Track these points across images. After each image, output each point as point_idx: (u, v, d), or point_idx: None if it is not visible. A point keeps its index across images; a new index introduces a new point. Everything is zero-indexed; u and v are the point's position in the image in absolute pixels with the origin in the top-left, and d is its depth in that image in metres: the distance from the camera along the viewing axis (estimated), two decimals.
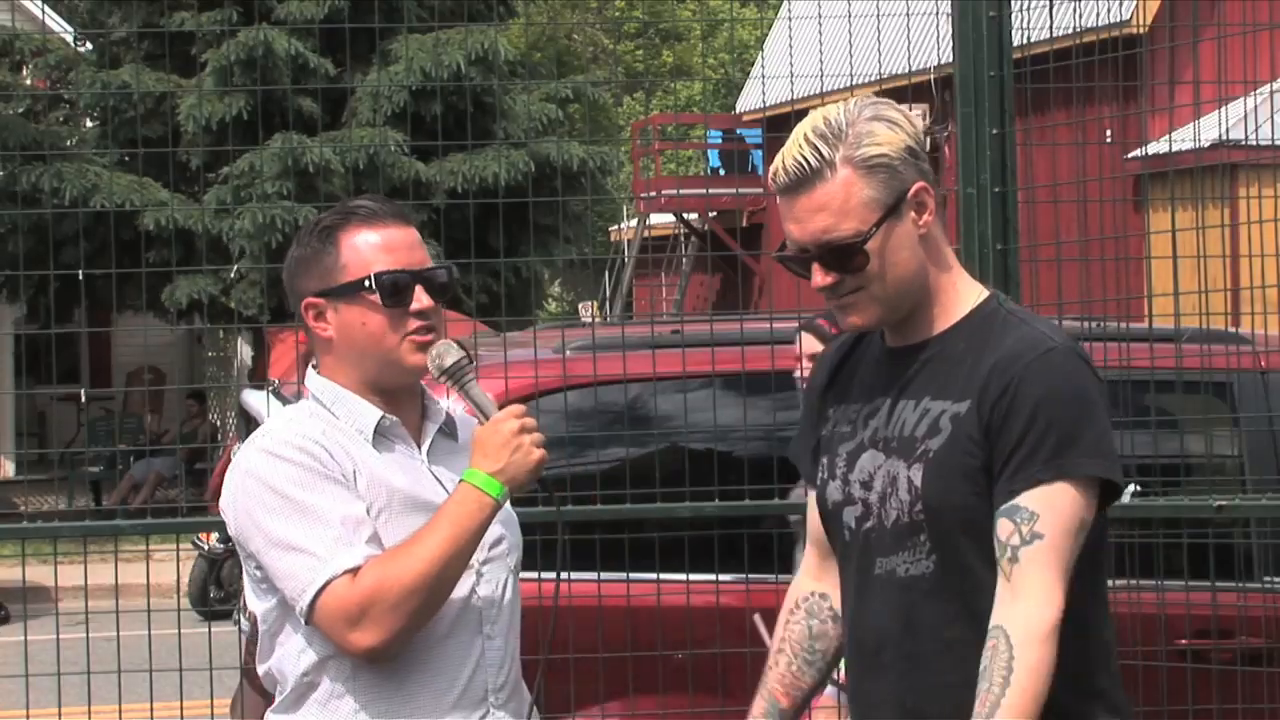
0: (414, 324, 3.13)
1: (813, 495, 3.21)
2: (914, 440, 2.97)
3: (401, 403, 3.20)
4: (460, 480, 3.09)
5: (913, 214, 2.99)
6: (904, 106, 3.09)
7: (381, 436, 3.16)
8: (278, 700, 3.17)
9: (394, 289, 3.12)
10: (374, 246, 3.14)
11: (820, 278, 2.98)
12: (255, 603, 3.17)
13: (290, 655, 3.12)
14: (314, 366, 3.25)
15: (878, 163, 2.95)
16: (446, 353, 3.15)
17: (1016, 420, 2.87)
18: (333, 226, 3.17)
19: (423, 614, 3.03)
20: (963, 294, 3.05)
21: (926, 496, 2.94)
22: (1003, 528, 2.88)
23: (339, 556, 3.00)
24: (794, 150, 2.97)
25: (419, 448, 3.21)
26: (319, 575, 2.99)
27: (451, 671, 3.12)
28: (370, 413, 3.15)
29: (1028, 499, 2.87)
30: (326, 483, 3.05)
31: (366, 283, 3.11)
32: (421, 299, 3.14)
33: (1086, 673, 2.95)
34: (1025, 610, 2.85)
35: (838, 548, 3.13)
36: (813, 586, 3.27)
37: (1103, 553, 3.02)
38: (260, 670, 3.21)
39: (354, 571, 3.00)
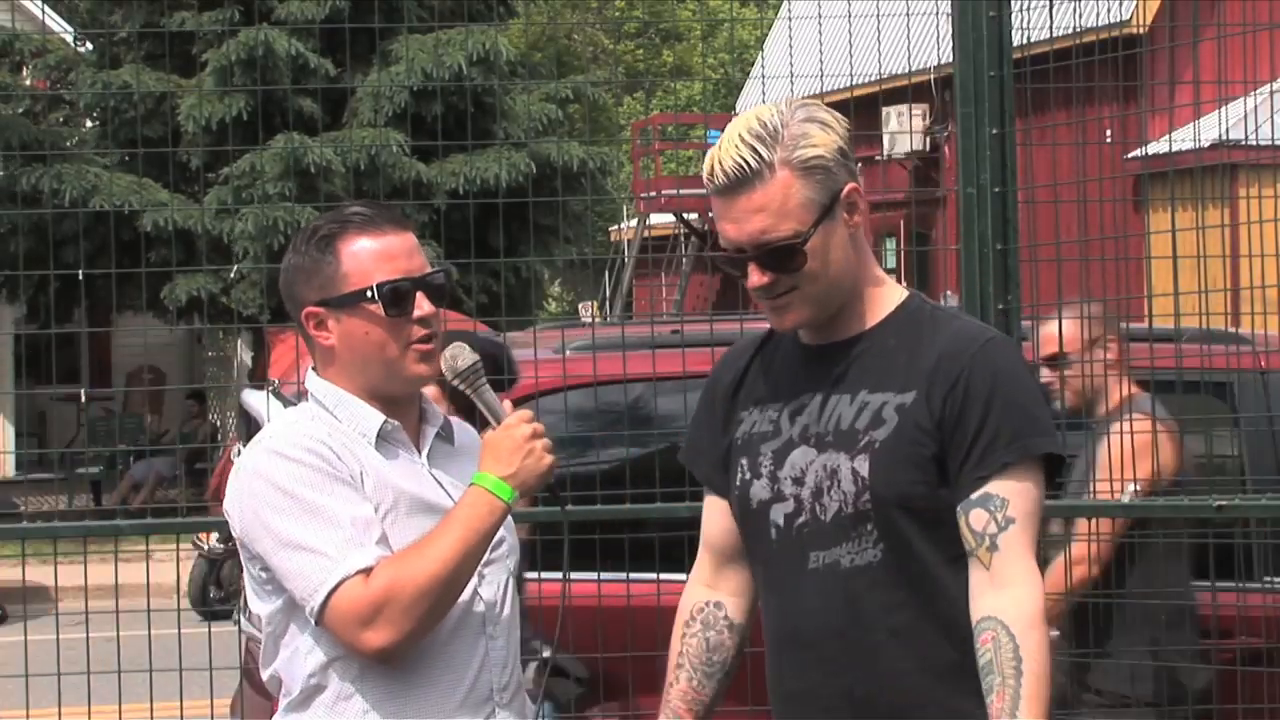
0: (417, 332, 3.14)
1: (712, 499, 3.23)
2: (855, 432, 3.00)
3: (402, 407, 3.20)
4: (471, 484, 3.09)
5: (845, 214, 3.03)
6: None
7: (384, 440, 3.16)
8: (284, 703, 3.16)
9: (395, 298, 3.12)
10: (374, 255, 3.13)
11: (757, 278, 3.02)
12: (258, 605, 3.16)
13: (297, 657, 3.11)
14: (313, 369, 3.25)
15: (815, 164, 2.99)
16: (460, 355, 3.15)
17: (972, 410, 2.94)
18: (331, 235, 3.15)
19: (434, 615, 3.03)
20: (887, 292, 3.11)
21: (875, 485, 2.97)
22: (976, 518, 2.93)
23: (350, 557, 3.00)
24: (731, 151, 2.99)
25: (419, 451, 3.22)
26: (331, 575, 2.99)
27: (458, 671, 3.12)
28: (373, 416, 3.15)
29: (997, 486, 2.93)
30: (335, 483, 3.05)
31: (369, 293, 3.12)
32: (423, 305, 3.14)
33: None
34: (1016, 596, 2.90)
35: (759, 547, 3.13)
36: (706, 596, 3.28)
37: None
38: (265, 674, 3.20)
39: (366, 572, 3.00)
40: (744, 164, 2.97)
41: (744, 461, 3.13)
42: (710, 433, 3.22)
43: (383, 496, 3.10)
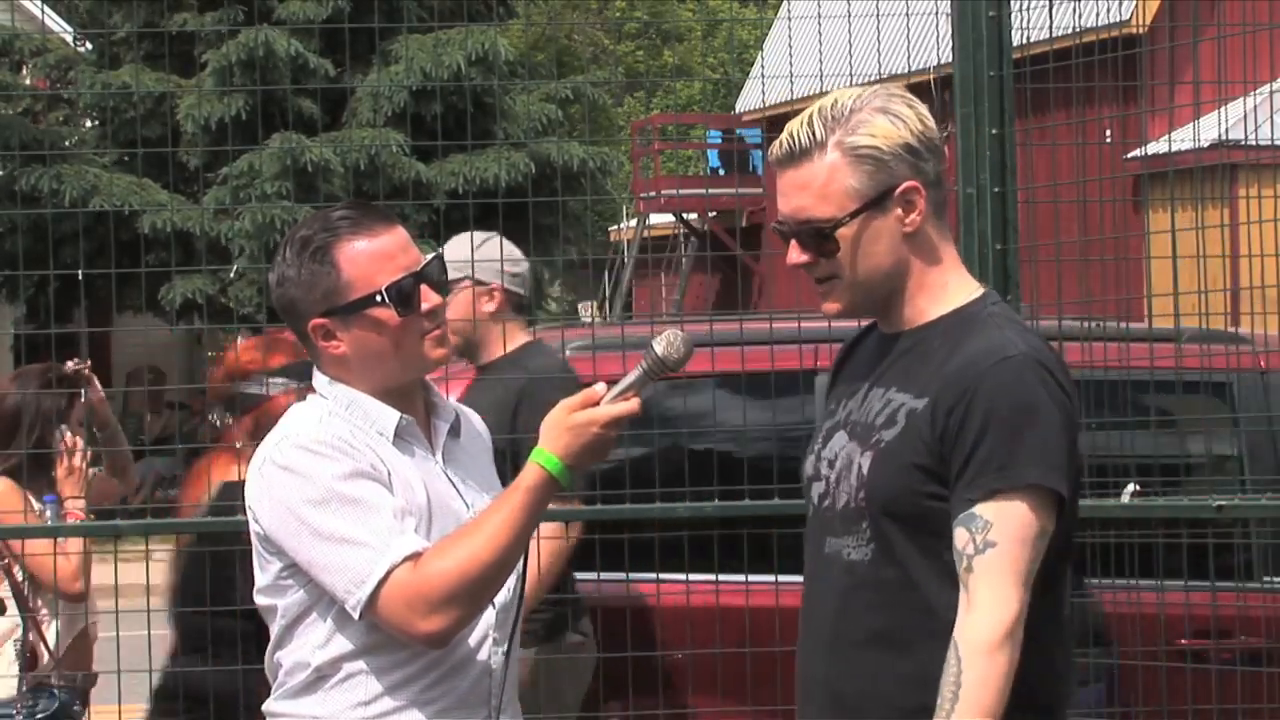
0: (428, 324, 3.14)
1: None
2: (872, 428, 3.01)
3: (410, 397, 3.20)
4: (529, 460, 3.05)
5: (899, 211, 3.00)
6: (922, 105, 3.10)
7: (400, 438, 3.16)
8: (282, 689, 3.16)
9: (403, 297, 3.12)
10: (374, 257, 3.12)
11: (795, 255, 3.04)
12: (272, 598, 3.14)
13: (308, 646, 3.11)
14: (318, 371, 3.23)
15: (866, 153, 2.97)
16: (676, 348, 3.06)
17: (970, 430, 2.89)
18: (325, 245, 3.12)
19: (487, 597, 3.06)
20: (951, 291, 3.07)
21: (870, 485, 2.98)
22: (959, 537, 2.89)
23: (394, 544, 3.00)
24: (796, 125, 3.02)
25: (433, 449, 3.22)
26: (378, 565, 2.98)
27: (460, 673, 3.12)
28: (389, 414, 3.15)
29: (983, 508, 2.88)
30: (367, 480, 3.05)
31: (378, 297, 3.11)
32: (429, 297, 3.15)
33: (1025, 687, 2.90)
34: (976, 621, 2.86)
35: (806, 522, 3.17)
36: None
37: (1058, 564, 2.99)
38: (268, 660, 3.21)
39: (413, 558, 2.99)
40: (798, 139, 2.99)
41: (814, 436, 3.19)
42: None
43: (408, 497, 3.10)
